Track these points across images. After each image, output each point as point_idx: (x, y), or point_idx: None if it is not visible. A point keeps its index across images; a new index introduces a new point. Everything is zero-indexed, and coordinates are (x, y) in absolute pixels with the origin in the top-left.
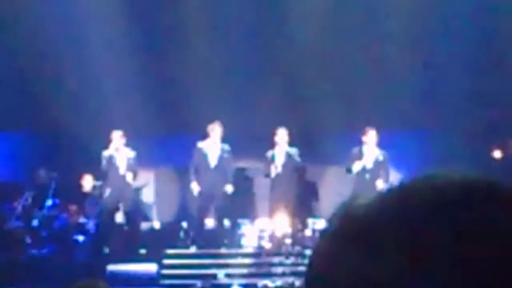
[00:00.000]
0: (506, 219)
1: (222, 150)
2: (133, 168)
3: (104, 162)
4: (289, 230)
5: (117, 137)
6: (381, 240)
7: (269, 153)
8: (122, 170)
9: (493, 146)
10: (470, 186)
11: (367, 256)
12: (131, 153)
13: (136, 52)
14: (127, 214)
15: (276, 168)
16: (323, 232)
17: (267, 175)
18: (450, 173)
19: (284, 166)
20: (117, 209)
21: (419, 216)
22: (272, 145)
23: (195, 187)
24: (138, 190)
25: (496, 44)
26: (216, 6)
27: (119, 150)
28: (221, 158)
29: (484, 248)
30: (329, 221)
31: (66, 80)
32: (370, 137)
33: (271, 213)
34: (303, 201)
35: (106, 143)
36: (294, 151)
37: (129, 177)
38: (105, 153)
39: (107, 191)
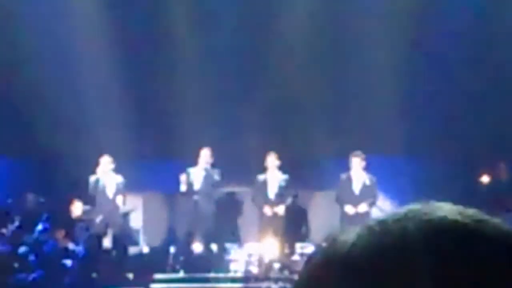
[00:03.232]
0: (476, 263)
1: (210, 175)
2: (121, 193)
3: (92, 187)
4: (277, 255)
5: (106, 162)
6: (361, 275)
7: (261, 178)
8: (110, 195)
9: (481, 171)
10: (448, 227)
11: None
12: (119, 178)
13: (125, 77)
14: (115, 239)
15: (266, 193)
16: (308, 261)
17: (258, 201)
18: (432, 209)
19: (276, 192)
20: (105, 234)
21: (398, 255)
22: (261, 169)
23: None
24: (126, 215)
25: (481, 69)
26: (206, 31)
27: (107, 175)
28: (208, 183)
29: None
30: (315, 251)
31: (55, 105)
32: (355, 163)
33: (259, 237)
34: (292, 226)
35: (95, 169)
36: (284, 177)
37: (117, 202)
38: (93, 178)
39: (96, 216)
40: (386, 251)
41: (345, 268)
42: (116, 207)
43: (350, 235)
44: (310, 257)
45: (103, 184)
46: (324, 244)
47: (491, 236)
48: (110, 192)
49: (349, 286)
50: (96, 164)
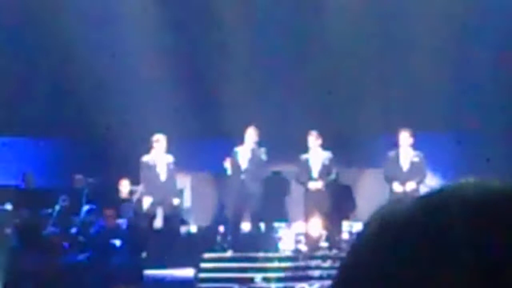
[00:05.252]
0: None
1: (257, 154)
2: (171, 173)
3: (143, 167)
4: (325, 233)
5: (158, 141)
6: (413, 247)
7: (303, 157)
8: (161, 174)
9: None
10: (501, 200)
11: (397, 261)
12: (169, 158)
13: (173, 58)
14: (165, 218)
15: (310, 172)
16: (359, 235)
17: (302, 180)
18: (485, 183)
19: (319, 170)
20: (154, 213)
21: (450, 227)
22: (307, 148)
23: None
24: (176, 195)
25: None
26: (252, 11)
27: (158, 155)
28: (255, 162)
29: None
30: (365, 224)
31: (103, 86)
32: (403, 138)
33: (307, 216)
34: (339, 204)
35: (145, 148)
36: (327, 155)
37: (167, 181)
38: (145, 158)
39: (146, 196)
40: (436, 227)
41: (395, 237)
42: (166, 187)
43: (402, 207)
44: (364, 225)
45: (154, 164)
46: (375, 215)
47: None
48: (161, 172)
49: (399, 254)
50: (147, 144)
